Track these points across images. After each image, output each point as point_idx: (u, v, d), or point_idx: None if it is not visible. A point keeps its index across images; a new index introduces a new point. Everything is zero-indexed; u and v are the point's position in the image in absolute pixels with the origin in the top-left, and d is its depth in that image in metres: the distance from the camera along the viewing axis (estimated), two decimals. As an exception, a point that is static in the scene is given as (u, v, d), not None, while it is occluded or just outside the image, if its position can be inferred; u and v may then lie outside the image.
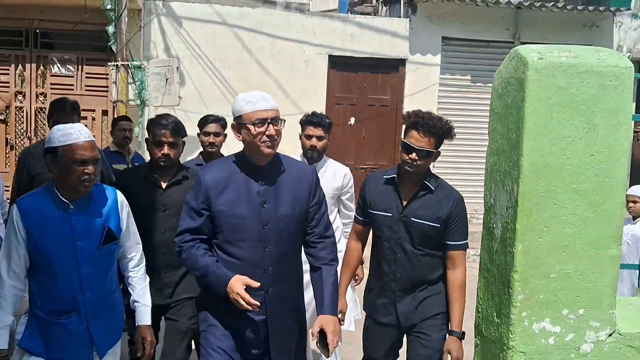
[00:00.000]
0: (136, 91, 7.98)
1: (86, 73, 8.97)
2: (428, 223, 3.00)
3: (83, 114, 8.97)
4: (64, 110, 3.75)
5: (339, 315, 3.16)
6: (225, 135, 4.35)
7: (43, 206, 2.50)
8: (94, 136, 2.88)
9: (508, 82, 2.72)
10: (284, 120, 2.56)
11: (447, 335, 2.99)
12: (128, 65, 7.86)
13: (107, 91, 8.78)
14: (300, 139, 3.88)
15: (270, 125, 2.49)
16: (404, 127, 3.12)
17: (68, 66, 8.88)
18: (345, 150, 9.83)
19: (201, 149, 4.34)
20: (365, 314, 3.32)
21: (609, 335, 2.61)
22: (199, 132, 4.33)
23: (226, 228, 2.55)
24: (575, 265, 2.57)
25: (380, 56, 9.81)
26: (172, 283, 3.33)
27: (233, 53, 9.29)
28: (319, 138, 3.81)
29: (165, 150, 3.34)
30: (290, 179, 2.62)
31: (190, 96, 8.87)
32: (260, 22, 9.36)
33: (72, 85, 8.92)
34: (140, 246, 2.87)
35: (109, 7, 7.66)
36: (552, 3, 10.16)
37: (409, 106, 9.94)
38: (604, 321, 2.60)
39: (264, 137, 2.49)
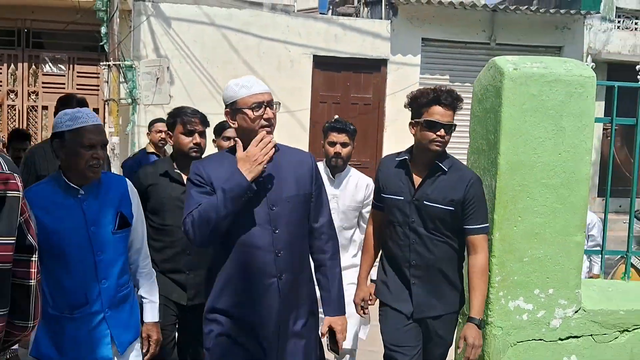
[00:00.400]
0: (127, 90, 8.12)
1: (77, 72, 9.08)
2: (441, 206, 2.75)
3: (74, 112, 9.18)
4: (71, 107, 3.59)
5: (362, 304, 3.05)
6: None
7: (51, 193, 2.35)
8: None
9: (486, 89, 3.00)
10: (279, 104, 2.47)
11: (466, 322, 2.76)
12: (120, 65, 8.02)
13: (98, 90, 8.91)
14: (324, 147, 3.63)
15: (267, 108, 2.38)
16: (408, 106, 2.90)
17: (59, 65, 8.99)
18: (329, 147, 10.06)
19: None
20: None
21: (575, 312, 2.92)
22: (214, 137, 4.19)
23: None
24: (545, 251, 2.87)
25: (363, 56, 10.05)
26: (196, 284, 3.08)
27: (221, 53, 9.44)
28: (344, 145, 3.56)
29: (197, 139, 3.15)
30: (290, 162, 2.50)
31: (178, 95, 8.98)
32: (247, 23, 9.52)
33: (64, 84, 9.02)
34: (146, 241, 2.69)
35: (100, 7, 7.80)
36: (526, 6, 10.48)
37: (390, 105, 10.23)
38: (571, 299, 2.90)
39: (262, 121, 2.37)
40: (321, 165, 3.51)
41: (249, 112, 2.36)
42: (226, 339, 2.45)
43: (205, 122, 3.24)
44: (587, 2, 10.79)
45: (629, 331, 2.96)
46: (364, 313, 3.12)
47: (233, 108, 2.40)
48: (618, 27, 11.51)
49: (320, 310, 2.67)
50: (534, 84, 2.83)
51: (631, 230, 3.38)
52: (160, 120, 5.62)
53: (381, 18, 10.32)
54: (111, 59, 8.00)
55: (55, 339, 2.35)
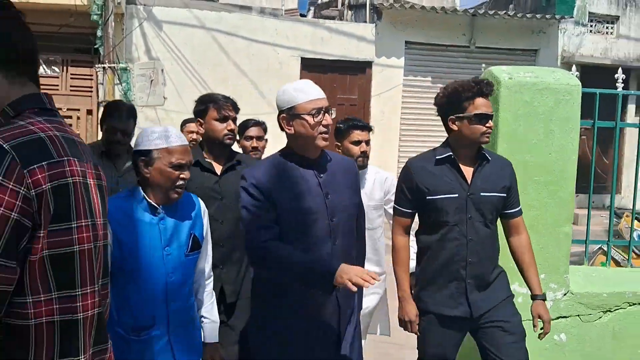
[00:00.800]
0: (122, 92, 8.30)
1: (71, 74, 9.19)
2: (497, 194, 2.71)
3: (68, 113, 9.32)
4: (121, 116, 3.30)
5: (417, 320, 2.79)
6: (266, 140, 4.08)
7: (130, 209, 2.29)
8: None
9: (484, 95, 3.32)
10: (334, 110, 2.37)
11: (532, 300, 2.76)
12: (114, 67, 8.19)
13: (91, 91, 9.04)
14: (342, 147, 3.42)
15: (326, 114, 2.29)
16: (444, 102, 2.75)
17: (53, 67, 9.09)
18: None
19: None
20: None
21: (564, 295, 3.24)
22: (237, 137, 3.94)
23: (292, 226, 2.27)
24: (538, 240, 3.13)
25: (349, 58, 10.33)
26: (231, 280, 2.95)
27: (211, 55, 9.62)
28: (367, 142, 3.42)
29: (232, 125, 2.99)
30: (340, 170, 2.42)
31: (170, 96, 9.19)
32: (236, 26, 9.73)
33: (58, 85, 9.12)
34: (211, 261, 2.60)
35: (96, 11, 7.96)
36: (504, 11, 10.89)
37: (375, 105, 10.53)
38: (560, 284, 3.23)
39: (321, 128, 2.27)
40: None
41: (309, 118, 2.26)
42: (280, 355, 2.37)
43: (237, 108, 3.07)
44: (561, 7, 11.21)
45: (611, 311, 3.30)
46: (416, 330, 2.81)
47: (290, 113, 2.29)
48: (590, 31, 11.96)
49: None
50: (526, 92, 3.12)
51: (611, 224, 3.73)
52: (192, 120, 4.91)
53: (365, 22, 10.59)
54: (106, 61, 8.16)
55: (121, 357, 2.22)
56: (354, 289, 2.05)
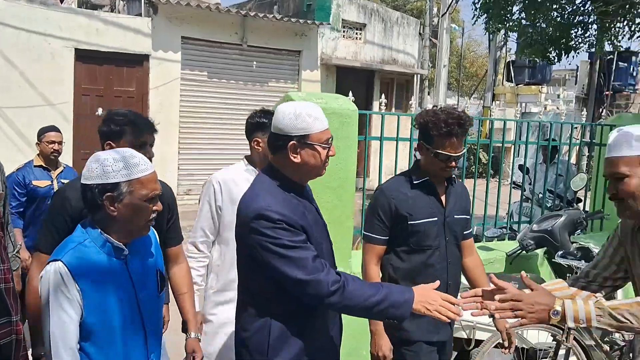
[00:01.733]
0: None
1: None
2: (465, 217, 2.77)
3: None
4: None
5: (382, 354, 2.66)
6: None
7: (93, 257, 1.89)
8: None
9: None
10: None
11: (494, 318, 2.67)
12: None
13: None
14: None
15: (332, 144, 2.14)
16: (416, 128, 2.72)
17: None
18: (94, 140, 9.96)
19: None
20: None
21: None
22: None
23: None
24: (331, 234, 3.90)
25: (125, 51, 10.25)
26: None
27: (-27, 44, 8.82)
28: None
29: (151, 152, 2.58)
30: (311, 194, 2.33)
31: None
32: (1, 13, 9.03)
33: None
34: None
35: None
36: (272, 15, 11.83)
37: (154, 98, 10.66)
38: (346, 267, 3.94)
39: (327, 160, 2.12)
40: (242, 166, 3.17)
41: (322, 150, 2.08)
42: None
43: (155, 130, 2.66)
44: (319, 14, 12.52)
45: (382, 284, 4.20)
46: None
47: (302, 142, 2.06)
48: (343, 36, 13.51)
49: None
50: (319, 115, 3.89)
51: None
52: (53, 128, 4.74)
53: (140, 14, 10.59)
54: None
55: None
56: (447, 320, 1.99)
